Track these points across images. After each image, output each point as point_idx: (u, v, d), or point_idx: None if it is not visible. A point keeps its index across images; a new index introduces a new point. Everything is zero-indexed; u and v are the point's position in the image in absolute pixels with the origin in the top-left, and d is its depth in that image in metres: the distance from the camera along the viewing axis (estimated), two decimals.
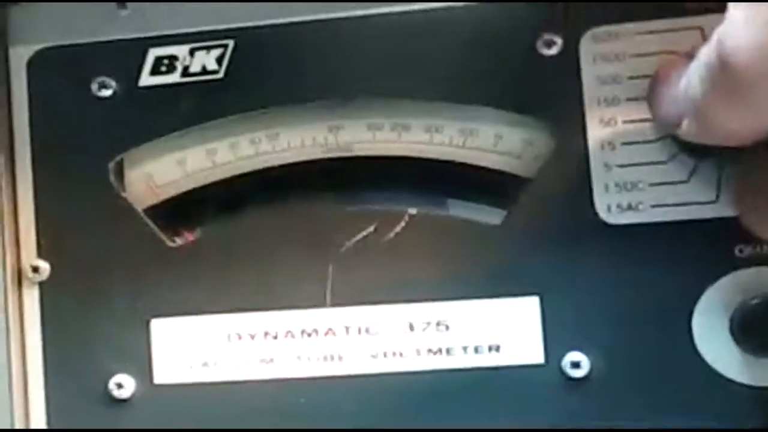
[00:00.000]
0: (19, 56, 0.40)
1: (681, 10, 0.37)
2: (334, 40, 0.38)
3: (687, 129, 0.32)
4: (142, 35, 0.39)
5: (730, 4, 0.28)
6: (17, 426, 0.39)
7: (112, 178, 0.39)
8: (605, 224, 0.37)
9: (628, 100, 0.37)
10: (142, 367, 0.39)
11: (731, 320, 0.36)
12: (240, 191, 0.40)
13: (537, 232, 0.37)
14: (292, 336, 0.38)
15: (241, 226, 0.39)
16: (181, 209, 0.40)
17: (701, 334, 0.36)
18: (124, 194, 0.40)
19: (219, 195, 0.40)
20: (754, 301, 0.36)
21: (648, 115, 0.37)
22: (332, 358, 0.38)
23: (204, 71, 0.39)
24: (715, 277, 0.36)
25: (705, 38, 0.35)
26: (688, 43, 0.36)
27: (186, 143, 0.40)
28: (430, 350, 0.38)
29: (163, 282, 0.39)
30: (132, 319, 0.39)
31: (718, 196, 0.36)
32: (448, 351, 0.38)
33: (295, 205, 0.40)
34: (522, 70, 0.37)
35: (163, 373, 0.39)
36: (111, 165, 0.39)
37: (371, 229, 0.38)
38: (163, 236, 0.39)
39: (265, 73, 0.38)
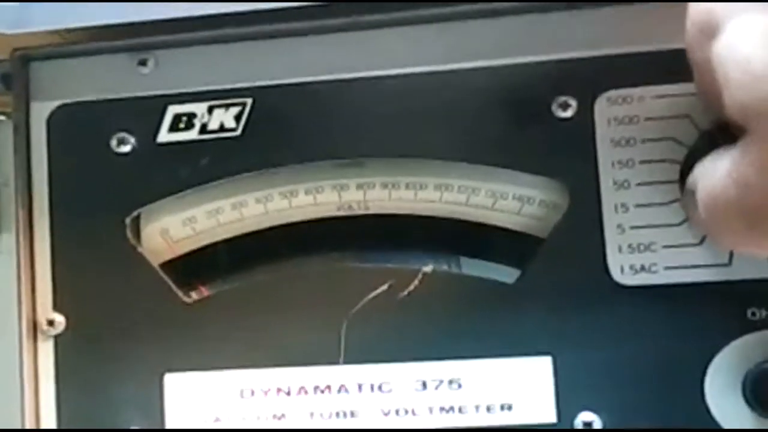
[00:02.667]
0: (40, 111, 0.41)
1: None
2: (351, 99, 0.39)
3: None
4: (161, 92, 0.40)
5: None
6: None
7: (128, 233, 0.40)
8: (618, 285, 0.37)
9: (642, 162, 0.38)
10: (155, 422, 0.39)
11: (744, 383, 0.36)
12: (255, 248, 0.41)
13: (550, 291, 0.38)
14: (305, 392, 0.39)
15: (255, 282, 0.40)
16: (197, 265, 0.41)
17: (713, 396, 0.37)
18: (140, 249, 0.40)
19: (234, 251, 0.41)
20: (767, 365, 0.36)
21: (661, 178, 0.37)
22: (345, 415, 0.39)
23: (222, 129, 0.39)
24: (728, 340, 0.37)
25: None
26: (701, 106, 0.36)
27: (203, 200, 0.40)
28: (442, 408, 0.38)
29: (177, 337, 0.39)
30: (146, 374, 0.39)
31: (730, 260, 0.37)
32: (460, 409, 0.38)
33: (309, 262, 0.40)
34: (537, 132, 0.38)
35: (176, 428, 0.39)
36: (128, 220, 0.40)
37: (385, 286, 0.38)
38: (178, 291, 0.40)
39: (282, 132, 0.39)
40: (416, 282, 0.38)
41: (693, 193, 0.34)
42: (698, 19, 0.31)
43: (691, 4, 0.31)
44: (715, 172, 0.31)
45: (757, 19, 0.28)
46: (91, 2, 0.39)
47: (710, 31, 0.30)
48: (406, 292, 0.38)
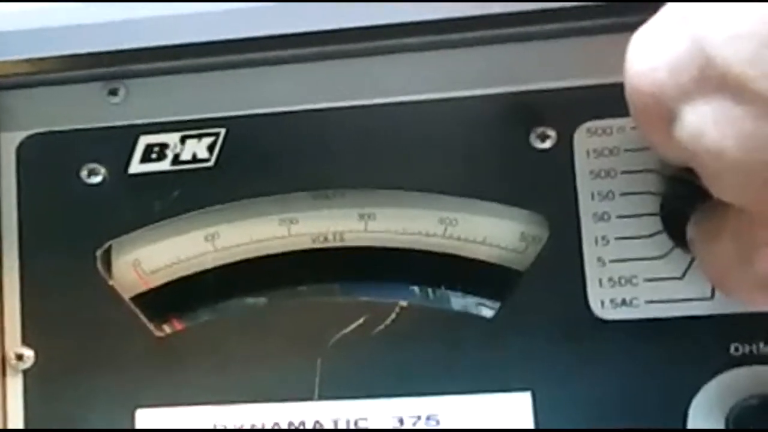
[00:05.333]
0: (9, 141, 0.41)
1: None
2: (326, 129, 0.39)
3: None
4: (132, 122, 0.40)
5: None
6: None
7: (99, 265, 0.39)
8: (599, 319, 0.37)
9: (622, 194, 0.37)
10: None
11: (727, 419, 0.36)
12: (229, 280, 0.40)
13: (530, 326, 0.38)
14: (279, 429, 0.38)
15: (229, 315, 0.39)
16: (169, 298, 0.40)
17: None
18: (111, 282, 0.40)
19: (207, 284, 0.40)
20: (751, 401, 0.36)
21: (642, 210, 0.37)
22: None
23: (195, 159, 0.39)
24: (711, 376, 0.37)
25: None
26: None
27: (175, 231, 0.40)
28: None
29: (149, 371, 0.39)
30: (117, 409, 0.39)
31: (713, 294, 0.37)
32: None
33: (283, 296, 0.40)
34: (515, 163, 0.38)
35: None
36: (99, 252, 0.39)
37: (361, 321, 0.38)
38: (150, 325, 0.39)
39: (256, 162, 0.39)
40: (393, 316, 0.38)
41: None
42: (643, 104, 0.30)
43: (629, 89, 0.30)
44: (720, 257, 0.32)
45: (715, 105, 0.27)
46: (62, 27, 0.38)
47: (662, 116, 0.29)
48: (382, 326, 0.38)
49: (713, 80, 0.27)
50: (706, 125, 0.27)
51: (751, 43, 0.25)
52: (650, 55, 0.29)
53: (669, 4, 0.29)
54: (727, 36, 0.26)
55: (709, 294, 0.37)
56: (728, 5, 0.26)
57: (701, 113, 0.27)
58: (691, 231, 0.34)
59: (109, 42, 0.38)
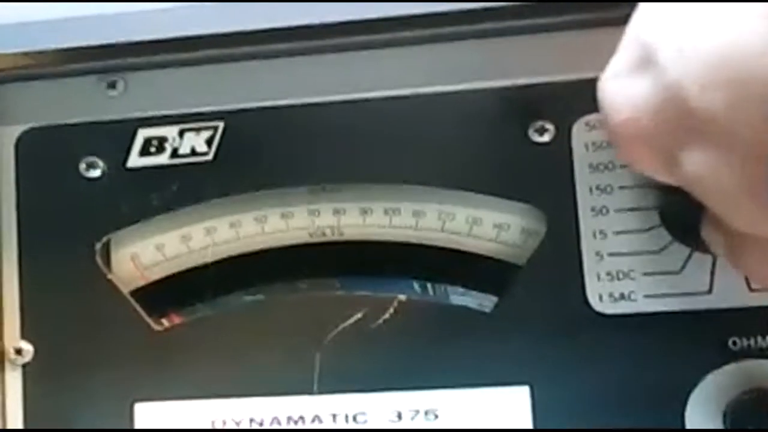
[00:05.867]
0: (7, 135, 0.41)
1: None
2: (325, 123, 0.39)
3: None
4: (131, 116, 0.40)
5: None
6: None
7: (98, 259, 0.39)
8: (597, 313, 0.37)
9: (621, 188, 0.37)
10: None
11: (725, 414, 0.36)
12: (227, 274, 0.40)
13: (528, 320, 0.38)
14: (278, 423, 0.39)
15: (227, 309, 0.40)
16: (168, 292, 0.40)
17: (694, 426, 0.37)
18: (110, 276, 0.40)
19: (206, 278, 0.40)
20: (748, 395, 0.36)
21: (640, 204, 0.37)
22: None
23: (193, 153, 0.39)
24: (708, 369, 0.37)
25: None
26: None
27: (173, 225, 0.40)
28: None
29: (147, 365, 0.39)
30: (115, 403, 0.39)
31: (711, 288, 0.37)
32: None
33: (282, 290, 0.40)
34: (514, 157, 0.38)
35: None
36: (97, 246, 0.39)
37: (360, 315, 0.38)
38: (148, 319, 0.39)
39: (254, 156, 0.39)
40: (391, 310, 0.38)
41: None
42: (636, 152, 0.30)
43: (617, 138, 0.30)
44: None
45: (707, 152, 0.27)
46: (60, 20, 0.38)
47: (659, 159, 0.29)
48: (380, 321, 0.38)
49: (699, 129, 0.26)
50: (703, 171, 0.27)
51: (729, 91, 0.25)
52: (629, 104, 0.29)
53: (627, 40, 0.29)
54: (703, 85, 0.26)
55: (707, 288, 0.37)
56: (699, 49, 0.26)
57: (696, 160, 0.27)
58: (714, 231, 0.34)
59: (108, 35, 0.38)
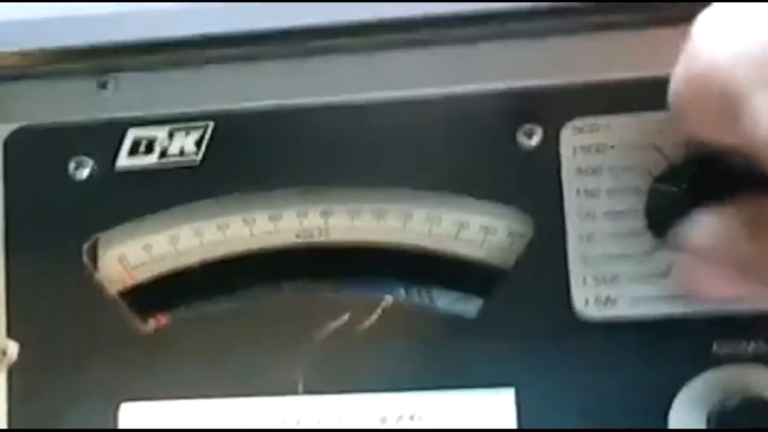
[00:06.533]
0: None
1: (662, 103, 0.37)
2: (314, 125, 0.39)
3: None
4: (121, 115, 0.40)
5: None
6: None
7: (85, 259, 0.40)
8: (582, 318, 0.37)
9: (608, 192, 0.38)
10: None
11: (709, 418, 0.36)
12: (215, 276, 0.40)
13: (513, 324, 0.38)
14: (263, 424, 0.38)
15: (214, 311, 0.40)
16: (155, 293, 0.40)
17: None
18: (97, 276, 0.40)
19: (193, 279, 0.41)
20: (732, 402, 0.36)
21: (627, 208, 0.37)
22: None
23: (182, 153, 0.39)
24: (693, 375, 0.37)
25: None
26: (669, 137, 0.37)
27: (161, 226, 0.40)
28: None
29: (134, 366, 0.39)
30: (102, 403, 0.39)
31: None
32: None
33: (268, 292, 0.40)
34: (501, 160, 0.38)
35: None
36: (85, 246, 0.40)
37: (345, 317, 0.38)
38: (135, 319, 0.39)
39: (244, 157, 0.39)
40: (377, 313, 0.38)
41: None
42: (707, 86, 0.30)
43: (695, 71, 0.30)
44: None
45: None
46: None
47: (727, 102, 0.29)
48: (366, 324, 0.38)
49: None
50: None
51: None
52: (727, 41, 0.29)
53: None
54: None
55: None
56: None
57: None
58: (706, 234, 0.34)
59: (99, 35, 0.38)
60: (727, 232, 0.33)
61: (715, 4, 0.30)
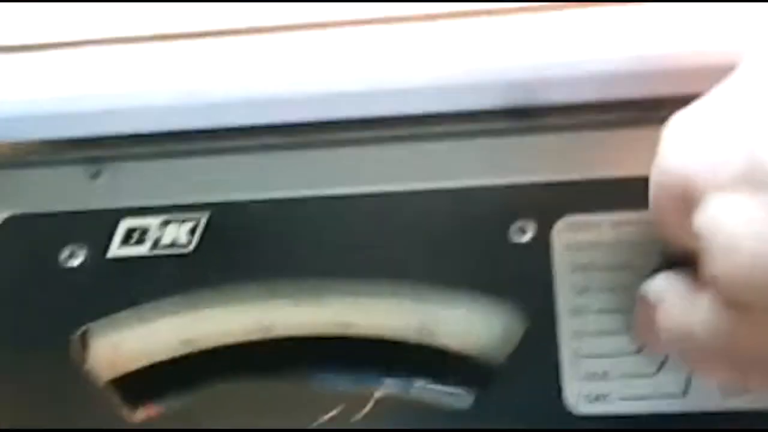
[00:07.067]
0: None
1: None
2: (307, 218, 0.39)
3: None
4: (114, 206, 0.40)
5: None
6: None
7: (75, 348, 0.40)
8: (573, 414, 0.38)
9: (600, 289, 0.38)
10: None
11: None
12: (205, 367, 0.40)
13: (505, 418, 0.38)
14: None
15: (205, 402, 0.40)
16: (145, 382, 0.40)
17: None
18: (86, 365, 0.40)
19: (184, 369, 0.40)
20: None
21: (618, 306, 0.38)
22: None
23: (174, 244, 0.39)
24: None
25: None
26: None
27: (152, 316, 0.40)
28: None
29: None
30: None
31: (685, 391, 0.37)
32: None
33: (260, 384, 0.40)
34: (494, 256, 0.38)
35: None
36: (75, 335, 0.39)
37: (337, 410, 0.38)
38: (124, 410, 0.39)
39: (237, 249, 0.39)
40: (369, 406, 0.39)
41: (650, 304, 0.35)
42: (672, 186, 0.31)
43: (663, 170, 0.31)
44: (693, 314, 0.32)
45: (744, 203, 0.28)
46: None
47: (688, 201, 0.30)
48: (358, 417, 0.38)
49: (754, 181, 0.27)
50: (724, 218, 0.28)
51: None
52: (690, 144, 0.30)
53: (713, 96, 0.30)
54: None
55: (681, 391, 0.38)
56: None
57: (722, 205, 0.28)
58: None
59: (93, 128, 0.38)
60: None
61: (689, 107, 0.31)
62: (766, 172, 0.27)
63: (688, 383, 0.38)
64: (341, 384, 0.40)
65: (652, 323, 0.34)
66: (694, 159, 0.30)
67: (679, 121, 0.31)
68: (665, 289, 0.34)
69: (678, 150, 0.31)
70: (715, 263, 0.29)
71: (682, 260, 0.35)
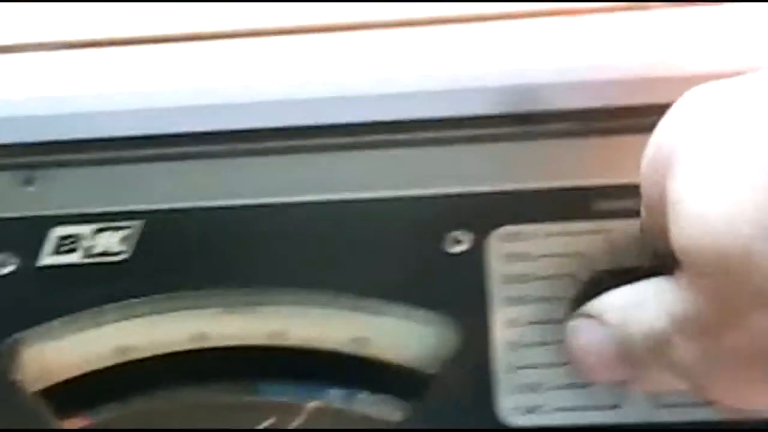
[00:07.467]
0: None
1: (588, 212, 0.38)
2: (242, 227, 0.39)
3: None
4: (47, 213, 0.40)
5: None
6: None
7: (5, 358, 0.39)
8: (507, 426, 0.37)
9: (534, 300, 0.38)
10: None
11: None
12: (137, 376, 0.40)
13: (437, 430, 0.37)
14: None
15: (136, 413, 0.39)
16: (76, 393, 0.40)
17: None
18: (15, 376, 0.39)
19: (115, 379, 0.40)
20: None
21: (553, 317, 0.37)
22: None
23: (107, 253, 0.39)
24: None
25: (610, 242, 0.36)
26: (594, 246, 0.37)
27: (85, 325, 0.40)
28: None
29: None
30: None
31: (619, 402, 0.37)
32: None
33: (193, 394, 0.40)
34: (428, 267, 0.38)
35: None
36: (4, 345, 0.39)
37: (270, 421, 0.38)
38: (54, 421, 0.39)
39: (171, 257, 0.39)
40: (302, 417, 0.38)
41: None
42: (649, 153, 0.31)
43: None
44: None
45: (711, 170, 0.28)
46: None
47: (661, 167, 0.30)
48: (291, 427, 0.38)
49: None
50: (692, 186, 0.29)
51: None
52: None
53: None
54: None
55: (615, 402, 0.37)
56: None
57: (690, 173, 0.29)
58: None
59: (25, 134, 0.38)
60: None
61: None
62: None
63: (622, 395, 0.38)
64: (274, 394, 0.40)
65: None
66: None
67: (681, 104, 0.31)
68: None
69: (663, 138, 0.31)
70: (683, 232, 0.29)
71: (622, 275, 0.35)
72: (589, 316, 0.35)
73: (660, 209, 0.31)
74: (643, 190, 0.33)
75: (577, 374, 0.36)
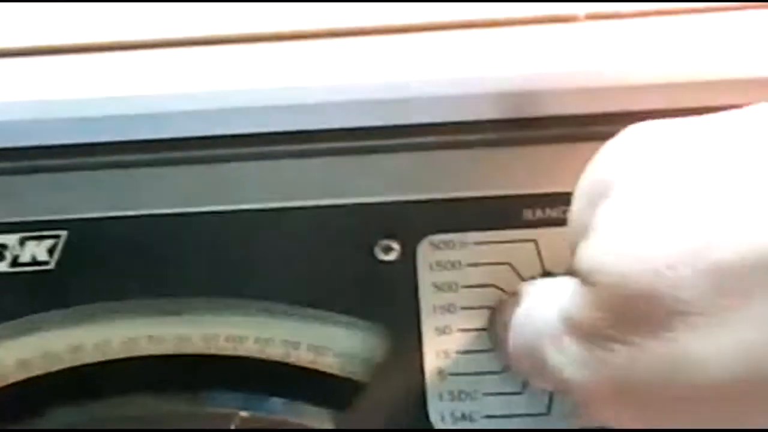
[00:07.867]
0: None
1: (518, 221, 0.38)
2: (170, 236, 0.39)
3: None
4: None
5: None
6: None
7: None
8: None
9: (464, 308, 0.38)
10: None
11: None
12: (64, 388, 0.39)
13: None
14: None
15: (61, 424, 0.39)
16: (2, 404, 0.39)
17: None
18: None
19: (40, 390, 0.39)
20: None
21: (482, 325, 0.38)
22: None
23: (34, 262, 0.39)
24: None
25: (539, 251, 0.36)
26: (523, 255, 0.37)
27: (10, 334, 0.39)
28: None
29: None
30: None
31: (549, 409, 0.37)
32: None
33: (120, 404, 0.39)
34: (359, 274, 0.38)
35: None
36: None
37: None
38: None
39: (97, 267, 0.39)
40: (232, 426, 0.38)
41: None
42: (583, 184, 0.32)
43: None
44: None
45: (639, 202, 0.29)
46: None
47: (596, 197, 0.31)
48: None
49: None
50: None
51: None
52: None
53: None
54: None
55: (545, 410, 0.38)
56: None
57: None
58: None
59: None
60: None
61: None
62: None
63: (551, 402, 0.38)
64: (205, 404, 0.39)
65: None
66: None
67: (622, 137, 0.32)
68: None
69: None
70: (595, 252, 0.30)
71: None
72: (514, 293, 0.36)
73: (581, 231, 0.31)
74: (571, 215, 0.33)
75: (502, 360, 0.38)
